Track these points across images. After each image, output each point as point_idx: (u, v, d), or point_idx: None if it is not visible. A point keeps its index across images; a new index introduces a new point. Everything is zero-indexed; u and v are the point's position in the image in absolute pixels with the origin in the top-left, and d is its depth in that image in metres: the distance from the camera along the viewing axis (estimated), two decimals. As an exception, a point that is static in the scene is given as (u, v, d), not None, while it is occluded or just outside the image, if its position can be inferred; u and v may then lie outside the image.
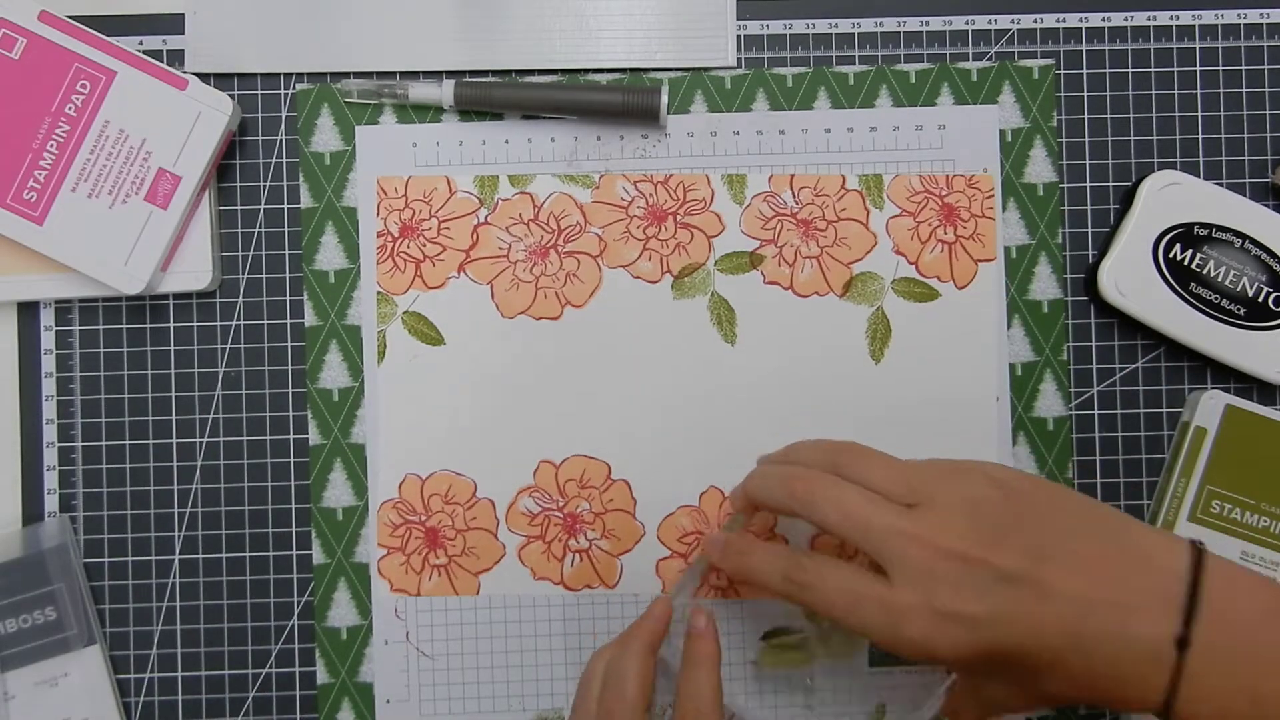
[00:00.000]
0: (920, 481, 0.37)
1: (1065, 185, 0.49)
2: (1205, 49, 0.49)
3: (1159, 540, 0.35)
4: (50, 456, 0.48)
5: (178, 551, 0.48)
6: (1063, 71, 0.49)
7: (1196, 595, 0.33)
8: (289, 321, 0.48)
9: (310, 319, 0.48)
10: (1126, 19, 0.49)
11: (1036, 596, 0.34)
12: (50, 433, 0.48)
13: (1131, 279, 0.47)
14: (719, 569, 0.45)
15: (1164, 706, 0.33)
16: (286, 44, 0.48)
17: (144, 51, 0.48)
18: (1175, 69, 0.49)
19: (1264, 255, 0.47)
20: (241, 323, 0.48)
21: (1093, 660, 0.33)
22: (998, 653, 0.34)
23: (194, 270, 0.47)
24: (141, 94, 0.45)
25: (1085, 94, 0.49)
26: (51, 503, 0.48)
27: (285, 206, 0.48)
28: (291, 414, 0.48)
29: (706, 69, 0.49)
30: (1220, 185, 0.48)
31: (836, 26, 0.49)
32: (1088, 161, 0.49)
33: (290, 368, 0.48)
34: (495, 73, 0.49)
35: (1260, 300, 0.47)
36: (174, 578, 0.48)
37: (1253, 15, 0.49)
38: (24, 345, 0.48)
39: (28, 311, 0.48)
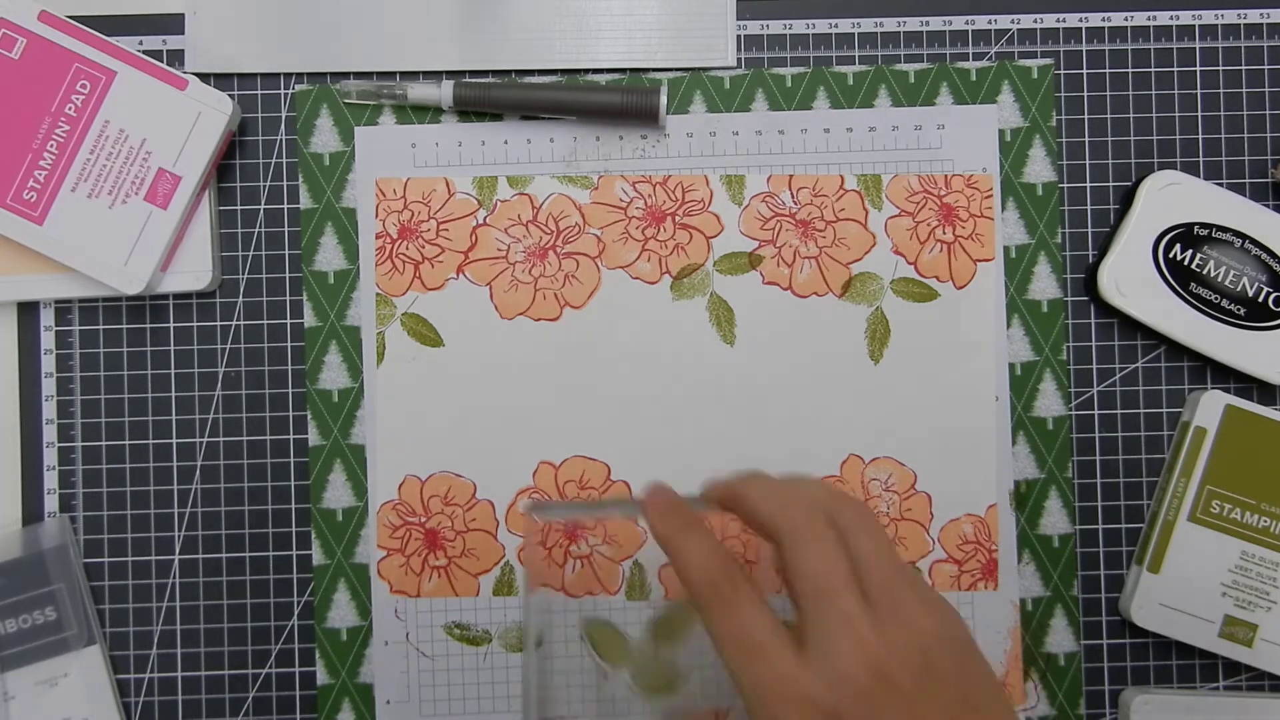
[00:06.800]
0: (895, 590, 0.33)
1: (1065, 185, 0.49)
2: (1205, 49, 0.49)
3: None
4: (50, 456, 0.48)
5: (178, 551, 0.48)
6: (1062, 71, 0.49)
7: None
8: (289, 322, 0.48)
9: (310, 320, 0.48)
10: (1126, 19, 0.49)
11: None
12: (50, 433, 0.48)
13: (1131, 279, 0.47)
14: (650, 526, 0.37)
15: None
16: (286, 44, 0.48)
17: (144, 51, 0.48)
18: (1175, 69, 0.49)
19: (1264, 255, 0.47)
20: (241, 323, 0.48)
21: None
22: None
23: (194, 270, 0.47)
24: (141, 94, 0.45)
25: (1085, 94, 0.49)
26: (51, 503, 0.48)
27: (285, 207, 0.48)
28: (291, 414, 0.48)
29: (706, 69, 0.49)
30: (1220, 185, 0.48)
31: (836, 26, 0.49)
32: (1087, 161, 0.49)
33: (290, 368, 0.48)
34: (495, 73, 0.49)
35: (1260, 300, 0.47)
36: (174, 578, 0.48)
37: (1253, 15, 0.49)
38: (24, 345, 0.48)
39: (28, 311, 0.48)
